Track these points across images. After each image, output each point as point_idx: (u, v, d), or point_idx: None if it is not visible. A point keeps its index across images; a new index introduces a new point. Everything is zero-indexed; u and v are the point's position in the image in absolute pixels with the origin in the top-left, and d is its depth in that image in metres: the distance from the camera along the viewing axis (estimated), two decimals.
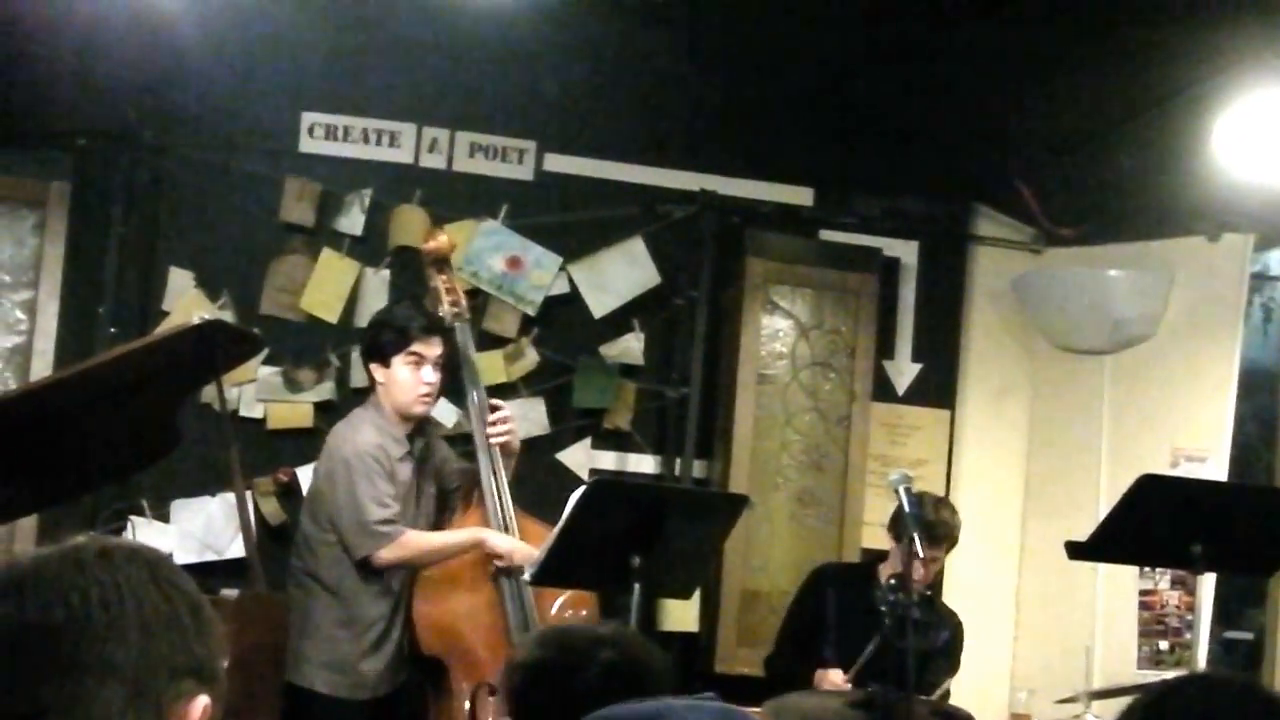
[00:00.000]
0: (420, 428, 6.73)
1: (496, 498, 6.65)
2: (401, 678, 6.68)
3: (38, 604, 1.87)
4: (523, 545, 6.49)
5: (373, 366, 6.63)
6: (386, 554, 6.44)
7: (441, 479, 6.88)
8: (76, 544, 1.96)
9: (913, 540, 5.90)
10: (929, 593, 6.87)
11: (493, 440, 6.72)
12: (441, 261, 6.96)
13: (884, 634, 6.14)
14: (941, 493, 8.12)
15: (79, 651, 1.86)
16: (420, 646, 6.55)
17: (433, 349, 6.57)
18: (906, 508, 6.00)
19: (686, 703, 2.69)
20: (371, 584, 6.52)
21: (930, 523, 6.64)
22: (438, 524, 6.83)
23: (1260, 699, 2.68)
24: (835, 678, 6.71)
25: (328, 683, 6.50)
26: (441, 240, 7.02)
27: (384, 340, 6.60)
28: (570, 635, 3.20)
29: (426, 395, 6.58)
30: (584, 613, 6.62)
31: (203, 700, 1.96)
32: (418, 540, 6.54)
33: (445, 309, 6.85)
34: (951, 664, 7.02)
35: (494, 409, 6.79)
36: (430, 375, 6.56)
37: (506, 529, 6.61)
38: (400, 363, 6.54)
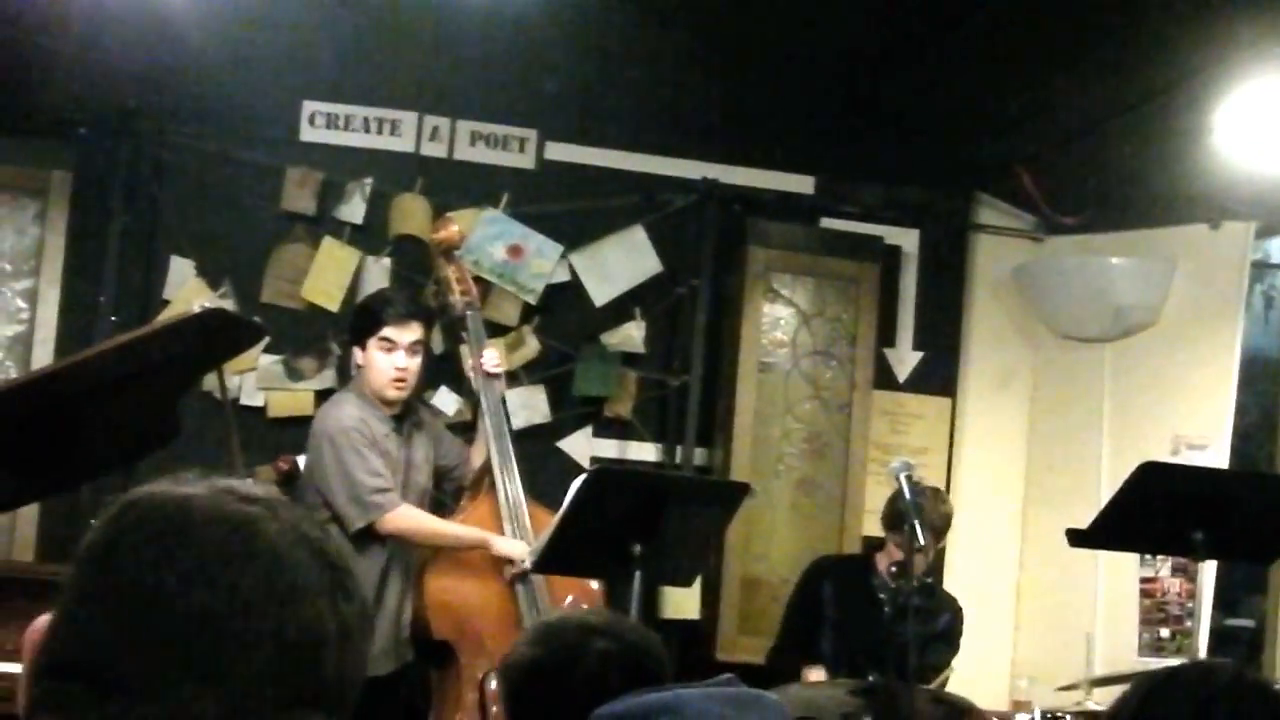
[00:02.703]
0: (408, 410, 6.73)
1: (508, 486, 6.66)
2: (401, 660, 6.66)
3: (182, 577, 1.58)
4: (526, 547, 6.50)
5: (354, 349, 6.67)
6: (389, 521, 6.44)
7: (439, 456, 6.88)
8: (260, 517, 1.65)
9: (913, 528, 5.91)
10: (929, 579, 6.89)
11: (490, 369, 6.77)
12: (451, 251, 6.98)
13: (884, 621, 6.17)
14: (943, 481, 8.16)
15: (198, 649, 1.57)
16: (430, 630, 6.55)
17: (406, 335, 6.56)
18: (908, 496, 6.02)
19: (700, 691, 2.70)
20: (364, 557, 6.50)
21: (902, 522, 6.67)
22: (446, 513, 6.86)
23: (1250, 687, 2.69)
24: (815, 676, 6.76)
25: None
26: (452, 230, 7.04)
27: (360, 323, 6.65)
28: (561, 629, 3.18)
29: (398, 381, 6.57)
30: (598, 606, 6.61)
31: None
32: (423, 518, 6.57)
33: (456, 298, 6.87)
34: (951, 647, 7.04)
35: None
36: (402, 361, 6.55)
37: (517, 518, 6.61)
38: (373, 346, 6.55)
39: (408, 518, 6.50)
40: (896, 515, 6.64)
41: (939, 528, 6.80)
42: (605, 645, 3.08)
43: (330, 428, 6.55)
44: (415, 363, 6.61)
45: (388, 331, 6.54)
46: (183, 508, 1.64)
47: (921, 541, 5.94)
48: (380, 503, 6.44)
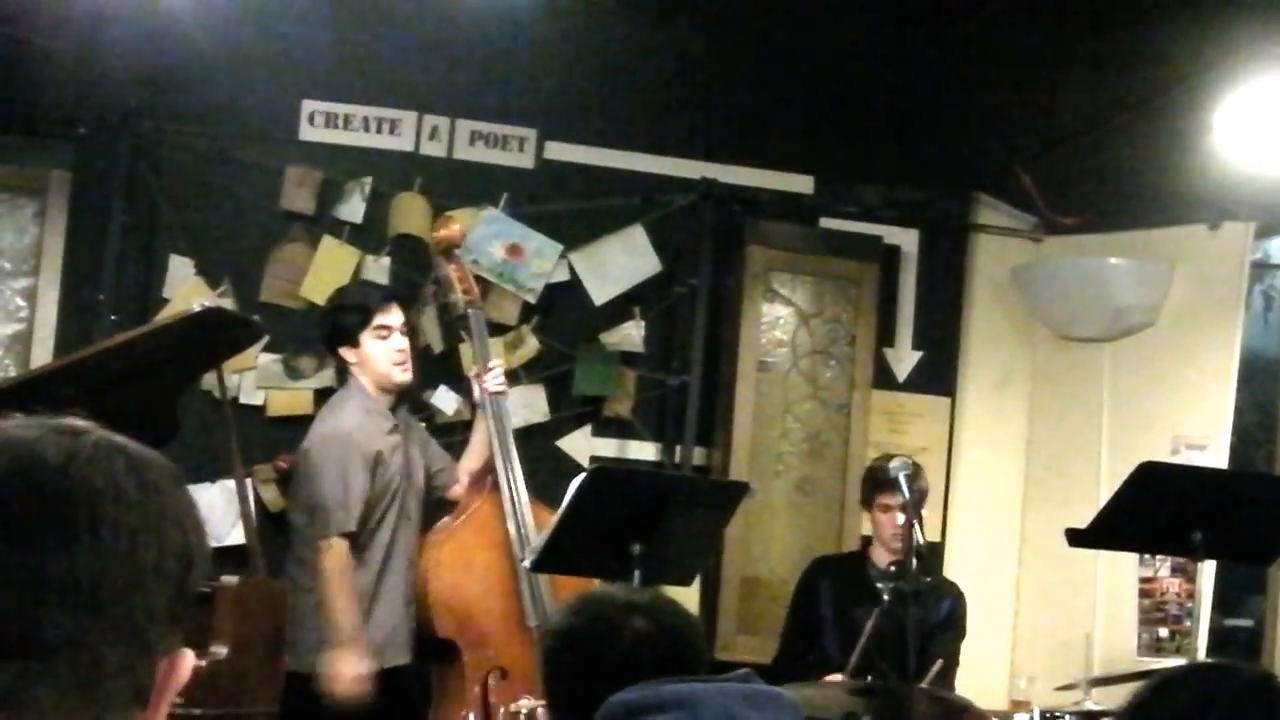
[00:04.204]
0: (399, 401, 6.74)
1: (512, 486, 6.66)
2: (402, 654, 6.66)
3: (61, 537, 1.55)
4: (349, 669, 6.30)
5: (342, 351, 6.61)
6: (323, 550, 6.31)
7: (426, 459, 6.88)
8: (115, 470, 1.63)
9: (913, 525, 5.94)
10: (929, 579, 6.89)
11: (493, 389, 6.75)
12: (451, 250, 6.98)
13: (881, 614, 6.18)
14: (942, 480, 8.18)
15: (97, 598, 1.56)
16: (434, 628, 6.56)
17: (396, 316, 6.57)
18: (907, 495, 6.04)
19: (714, 686, 2.70)
20: (359, 554, 6.47)
21: (882, 477, 6.79)
22: (444, 512, 6.86)
23: (1267, 690, 2.67)
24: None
25: (320, 662, 6.50)
26: (453, 229, 7.04)
27: (347, 322, 6.59)
28: (604, 602, 3.18)
29: (402, 362, 6.57)
30: None
31: (190, 656, 1.68)
32: (335, 575, 6.36)
33: (458, 297, 6.88)
34: (957, 633, 7.04)
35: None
36: (400, 342, 6.56)
37: (521, 517, 6.62)
38: (369, 338, 6.53)
39: (333, 560, 6.33)
40: (874, 485, 6.91)
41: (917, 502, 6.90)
42: (643, 626, 3.08)
43: (326, 432, 6.52)
44: (408, 343, 6.63)
45: (380, 319, 6.53)
46: (33, 461, 1.61)
47: (923, 541, 5.97)
48: (326, 522, 6.34)
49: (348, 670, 6.27)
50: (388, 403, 6.63)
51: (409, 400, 7.01)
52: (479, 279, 7.57)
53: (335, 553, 6.34)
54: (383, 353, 6.55)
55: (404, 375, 6.61)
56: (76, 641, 1.55)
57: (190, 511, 1.69)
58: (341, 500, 6.38)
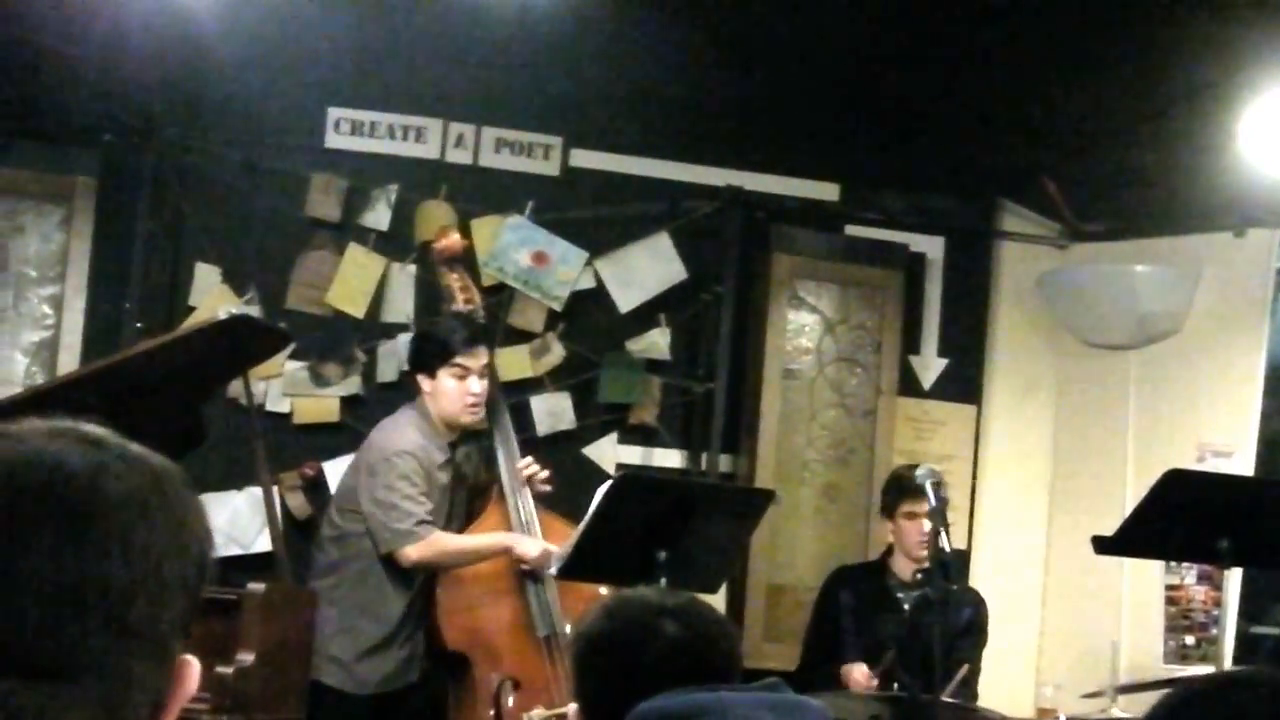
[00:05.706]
0: (462, 439, 6.78)
1: (518, 498, 6.68)
2: (415, 674, 6.69)
3: (93, 553, 1.55)
4: (551, 548, 6.49)
5: (419, 377, 6.69)
6: (414, 552, 6.46)
7: (473, 490, 6.95)
8: (140, 482, 1.62)
9: (938, 534, 5.93)
10: (955, 587, 6.89)
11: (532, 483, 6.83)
12: (453, 260, 7.01)
13: (902, 633, 6.18)
14: (968, 487, 8.19)
15: (129, 614, 1.56)
16: (444, 641, 6.57)
17: (477, 360, 6.64)
18: (933, 503, 6.03)
19: (744, 695, 2.70)
20: (396, 578, 6.54)
21: (910, 485, 6.83)
22: (460, 529, 6.87)
23: None
24: (859, 675, 6.74)
25: (334, 676, 6.52)
26: (453, 238, 7.08)
27: (428, 353, 6.67)
28: (636, 606, 3.16)
29: (473, 405, 6.64)
30: None
31: (195, 664, 1.67)
32: (445, 541, 6.57)
33: (459, 306, 6.90)
34: (978, 640, 7.05)
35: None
36: (476, 386, 6.62)
37: (527, 526, 6.63)
38: (445, 375, 6.61)
39: (431, 546, 6.50)
40: (900, 492, 7.00)
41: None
42: (675, 631, 3.06)
43: (390, 448, 6.56)
44: (485, 385, 6.67)
45: (461, 359, 6.60)
46: (62, 474, 1.58)
47: (948, 549, 5.96)
48: (416, 531, 6.46)
49: (531, 549, 6.56)
50: (449, 437, 6.68)
51: (471, 440, 7.03)
52: (504, 286, 7.60)
53: (428, 545, 6.52)
54: (456, 392, 6.61)
55: (470, 417, 6.68)
56: (107, 657, 1.55)
57: (202, 520, 1.69)
58: (420, 514, 6.49)
